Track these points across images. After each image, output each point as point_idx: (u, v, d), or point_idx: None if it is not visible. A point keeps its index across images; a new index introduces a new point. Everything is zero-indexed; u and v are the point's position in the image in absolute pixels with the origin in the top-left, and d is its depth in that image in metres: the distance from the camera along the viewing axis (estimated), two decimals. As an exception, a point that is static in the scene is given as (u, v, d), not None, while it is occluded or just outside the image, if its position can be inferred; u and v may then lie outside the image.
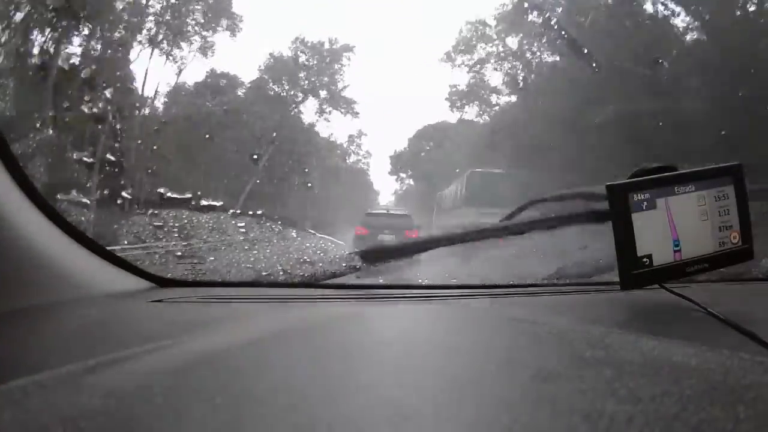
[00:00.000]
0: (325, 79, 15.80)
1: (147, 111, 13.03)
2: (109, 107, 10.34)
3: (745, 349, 0.67)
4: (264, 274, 1.41)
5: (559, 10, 12.12)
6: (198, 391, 0.39)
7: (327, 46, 16.03)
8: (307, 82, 15.69)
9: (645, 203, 0.82)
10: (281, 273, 1.33)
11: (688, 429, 0.32)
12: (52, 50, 10.07)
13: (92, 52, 11.32)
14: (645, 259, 0.81)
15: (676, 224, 0.83)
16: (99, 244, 1.13)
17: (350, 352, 0.54)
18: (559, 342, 0.60)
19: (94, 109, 9.79)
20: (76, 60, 10.65)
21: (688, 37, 11.27)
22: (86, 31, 11.21)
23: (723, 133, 7.82)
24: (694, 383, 0.41)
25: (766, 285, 1.22)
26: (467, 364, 0.48)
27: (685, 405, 0.35)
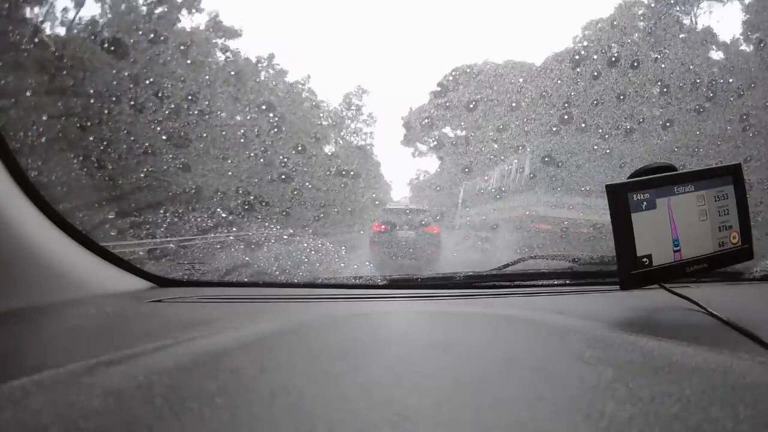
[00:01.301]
0: None
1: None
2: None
3: (745, 349, 0.67)
4: (263, 274, 1.41)
5: None
6: (198, 391, 0.39)
7: None
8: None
9: (645, 203, 0.82)
10: (280, 273, 1.33)
11: (688, 429, 0.32)
12: None
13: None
14: (645, 259, 0.81)
15: (676, 224, 0.83)
16: (99, 244, 1.13)
17: (350, 352, 0.54)
18: (559, 342, 0.60)
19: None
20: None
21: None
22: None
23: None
24: (694, 383, 0.41)
25: (766, 285, 1.22)
26: (467, 363, 0.48)
27: (685, 405, 0.35)
